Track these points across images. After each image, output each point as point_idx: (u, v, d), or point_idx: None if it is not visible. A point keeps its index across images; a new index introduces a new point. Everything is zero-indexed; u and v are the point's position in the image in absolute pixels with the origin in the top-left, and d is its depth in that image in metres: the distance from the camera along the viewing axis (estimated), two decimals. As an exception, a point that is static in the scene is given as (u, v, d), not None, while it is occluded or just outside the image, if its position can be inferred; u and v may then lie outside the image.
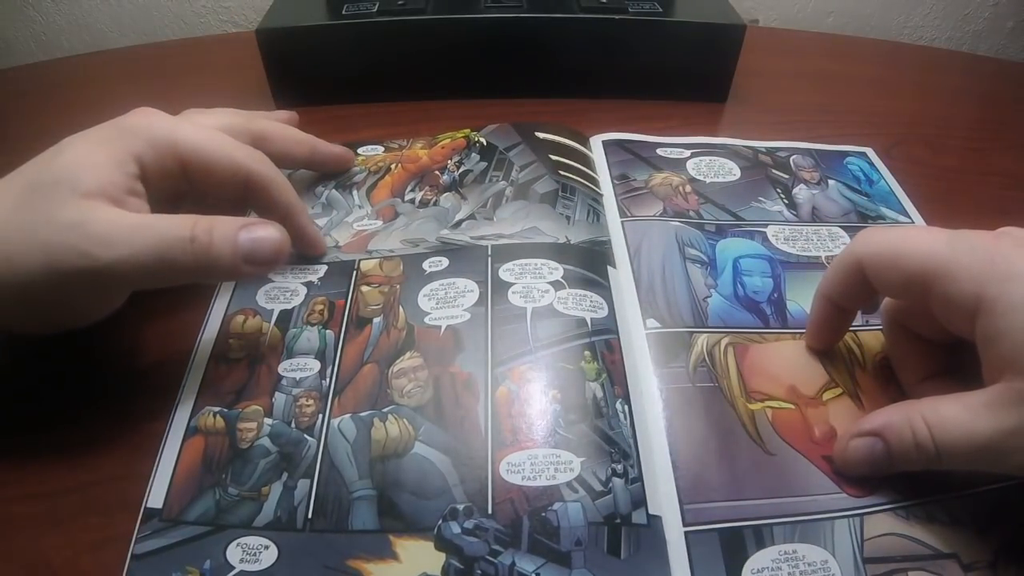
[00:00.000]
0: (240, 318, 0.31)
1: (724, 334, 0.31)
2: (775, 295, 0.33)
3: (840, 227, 0.37)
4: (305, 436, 0.27)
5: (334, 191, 0.39)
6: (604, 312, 0.31)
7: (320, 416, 0.27)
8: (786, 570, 0.23)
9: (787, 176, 0.41)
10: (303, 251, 0.34)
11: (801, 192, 0.40)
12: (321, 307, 0.32)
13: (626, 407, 0.27)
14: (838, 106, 0.50)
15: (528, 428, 0.26)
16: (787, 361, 0.30)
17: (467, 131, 0.42)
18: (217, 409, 0.28)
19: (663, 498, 0.25)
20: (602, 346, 0.29)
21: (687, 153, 0.42)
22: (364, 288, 0.32)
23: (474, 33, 0.47)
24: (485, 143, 0.41)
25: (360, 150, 0.42)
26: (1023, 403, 0.21)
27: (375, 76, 0.48)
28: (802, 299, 0.32)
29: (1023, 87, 0.55)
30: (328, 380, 0.29)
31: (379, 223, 0.36)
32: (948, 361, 0.27)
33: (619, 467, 0.25)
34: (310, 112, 0.42)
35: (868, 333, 0.31)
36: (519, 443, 0.26)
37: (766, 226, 0.37)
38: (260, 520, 0.24)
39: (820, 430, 0.27)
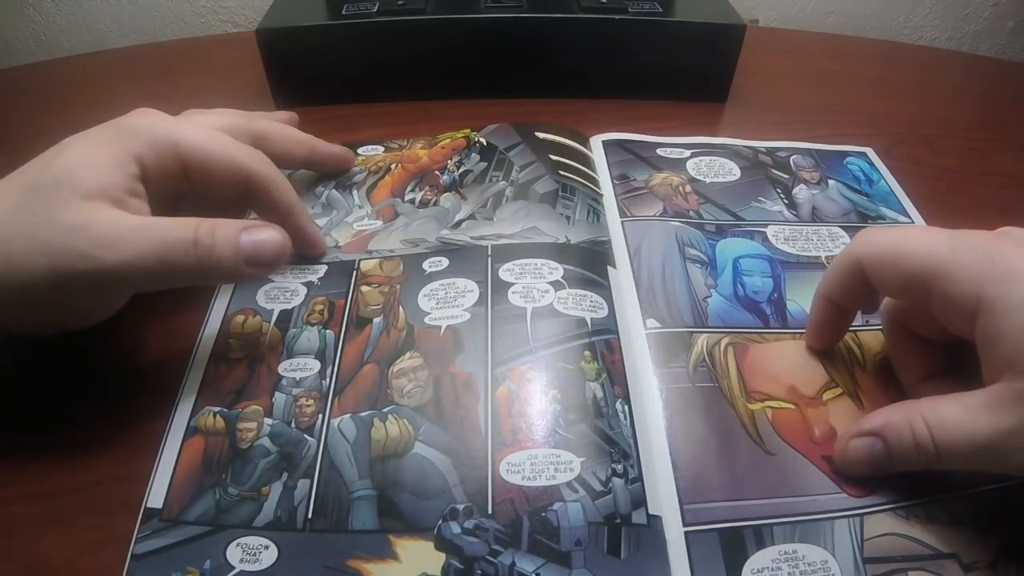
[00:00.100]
0: (240, 318, 0.31)
1: (724, 334, 0.31)
2: (775, 295, 0.33)
3: (840, 227, 0.37)
4: (305, 436, 0.27)
5: (334, 191, 0.39)
6: (604, 312, 0.31)
7: (320, 416, 0.27)
8: (786, 570, 0.23)
9: (787, 176, 0.41)
10: (303, 251, 0.34)
11: (801, 192, 0.40)
12: (321, 307, 0.32)
13: (626, 407, 0.27)
14: (838, 106, 0.50)
15: (528, 428, 0.26)
16: (787, 361, 0.30)
17: (467, 131, 0.42)
18: (217, 409, 0.28)
19: (663, 498, 0.25)
20: (602, 346, 0.29)
21: (687, 153, 0.42)
22: (364, 288, 0.32)
23: (474, 33, 0.47)
24: (485, 143, 0.41)
25: (360, 150, 0.42)
26: (1023, 403, 0.21)
27: (375, 76, 0.48)
28: (802, 299, 0.32)
29: (1023, 87, 0.55)
30: (328, 380, 0.29)
31: (379, 223, 0.36)
32: (948, 361, 0.27)
33: (619, 467, 0.25)
34: (310, 112, 0.42)
35: (868, 333, 0.31)
36: (519, 443, 0.26)
37: (766, 226, 0.37)
38: (260, 520, 0.24)
39: (820, 430, 0.27)
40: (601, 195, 0.38)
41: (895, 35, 0.72)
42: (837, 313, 0.29)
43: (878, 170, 0.42)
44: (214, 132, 0.29)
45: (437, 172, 0.40)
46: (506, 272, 0.32)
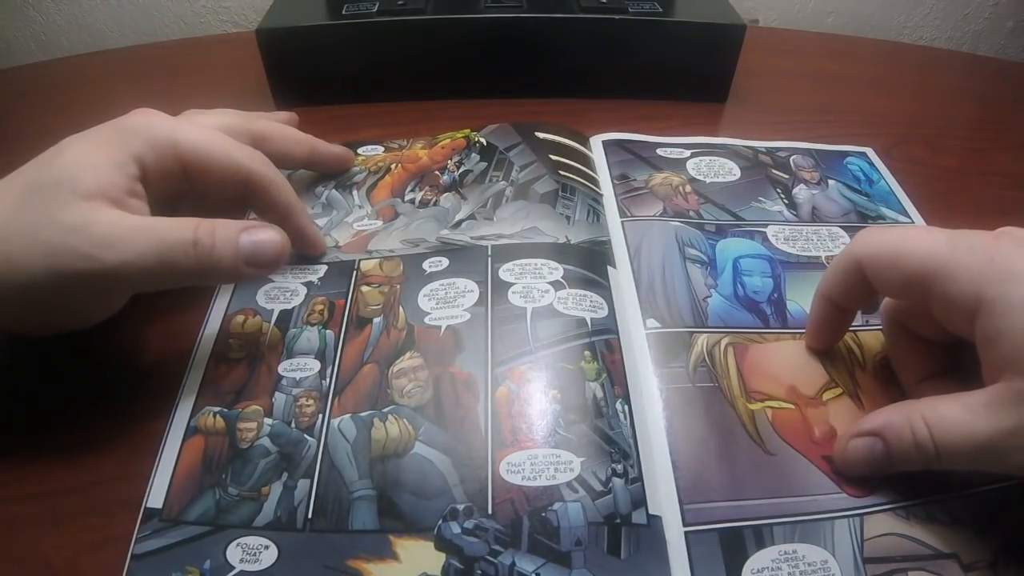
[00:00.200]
0: (240, 318, 0.31)
1: (724, 334, 0.31)
2: (775, 295, 0.33)
3: (840, 227, 0.37)
4: (305, 436, 0.27)
5: (334, 191, 0.39)
6: (604, 312, 0.31)
7: (320, 416, 0.27)
8: (786, 570, 0.23)
9: (787, 176, 0.41)
10: (303, 251, 0.34)
11: (801, 192, 0.40)
12: (321, 307, 0.32)
13: (626, 407, 0.27)
14: (838, 106, 0.50)
15: (528, 428, 0.26)
16: (787, 361, 0.30)
17: (467, 131, 0.42)
18: (217, 409, 0.28)
19: (663, 498, 0.25)
20: (602, 346, 0.29)
21: (687, 153, 0.42)
22: (364, 288, 0.32)
23: (474, 33, 0.47)
24: (485, 143, 0.41)
25: (360, 150, 0.42)
26: (1023, 403, 0.21)
27: (375, 76, 0.48)
28: (802, 299, 0.32)
29: (1023, 87, 0.55)
30: (328, 380, 0.29)
31: (379, 223, 0.36)
32: (948, 361, 0.27)
33: (619, 467, 0.25)
34: (310, 112, 0.42)
35: (868, 333, 0.31)
36: (519, 443, 0.26)
37: (766, 226, 0.37)
38: (260, 520, 0.24)
39: (820, 430, 0.27)
40: (601, 195, 0.38)
41: (895, 35, 0.72)
42: (837, 313, 0.29)
43: (878, 170, 0.42)
44: (214, 132, 0.29)
45: (437, 172, 0.40)
46: (506, 272, 0.32)
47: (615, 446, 0.26)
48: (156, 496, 0.25)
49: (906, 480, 0.24)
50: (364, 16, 0.46)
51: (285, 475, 0.25)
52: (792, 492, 0.25)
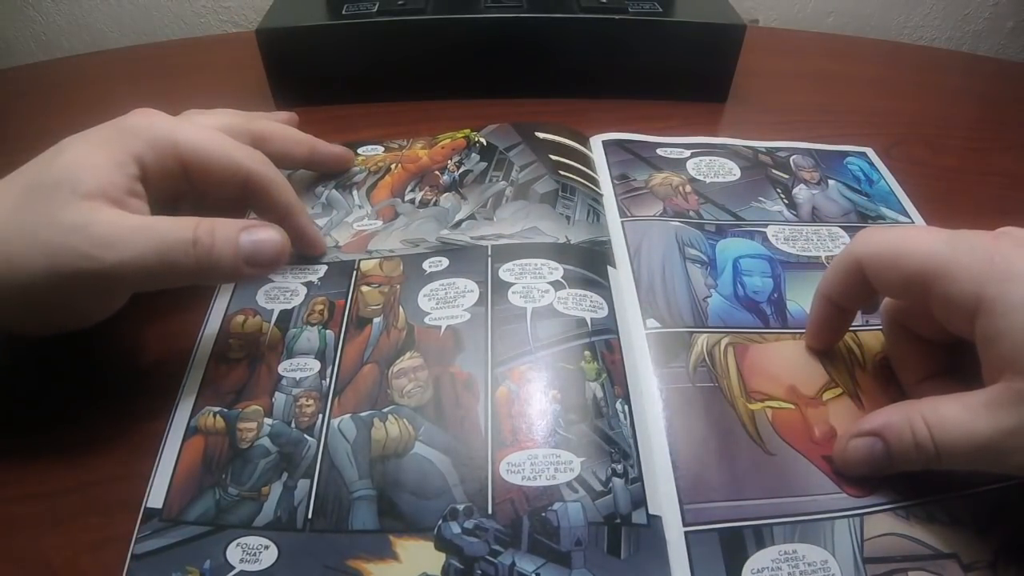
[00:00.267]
0: (240, 318, 0.31)
1: (724, 334, 0.31)
2: (775, 295, 0.33)
3: (840, 227, 0.37)
4: (305, 436, 0.27)
5: (334, 191, 0.39)
6: (604, 312, 0.31)
7: (320, 416, 0.27)
8: (786, 570, 0.23)
9: (787, 176, 0.41)
10: (303, 251, 0.34)
11: (801, 192, 0.40)
12: (321, 307, 0.32)
13: (626, 407, 0.27)
14: (838, 106, 0.50)
15: (528, 428, 0.26)
16: (787, 361, 0.30)
17: (467, 131, 0.42)
18: (217, 409, 0.28)
19: (663, 498, 0.25)
20: (602, 346, 0.29)
21: (687, 153, 0.42)
22: (364, 288, 0.32)
23: (474, 33, 0.47)
24: (485, 143, 0.41)
25: (360, 150, 0.42)
26: (1023, 403, 0.21)
27: (375, 76, 0.48)
28: (802, 299, 0.32)
29: (1023, 87, 0.55)
30: (328, 380, 0.29)
31: (379, 223, 0.36)
32: (948, 361, 0.27)
33: (619, 467, 0.25)
34: (310, 112, 0.42)
35: (868, 333, 0.31)
36: (519, 443, 0.26)
37: (766, 226, 0.37)
38: (260, 520, 0.24)
39: (820, 430, 0.27)
40: (601, 195, 0.38)
41: (895, 35, 0.72)
42: (837, 313, 0.29)
43: (878, 170, 0.42)
44: (214, 132, 0.29)
45: (437, 172, 0.40)
46: (506, 272, 0.32)
47: (615, 446, 0.26)
48: (156, 496, 0.25)
49: (906, 480, 0.24)
50: (364, 16, 0.46)
51: (285, 475, 0.25)
52: (792, 492, 0.25)
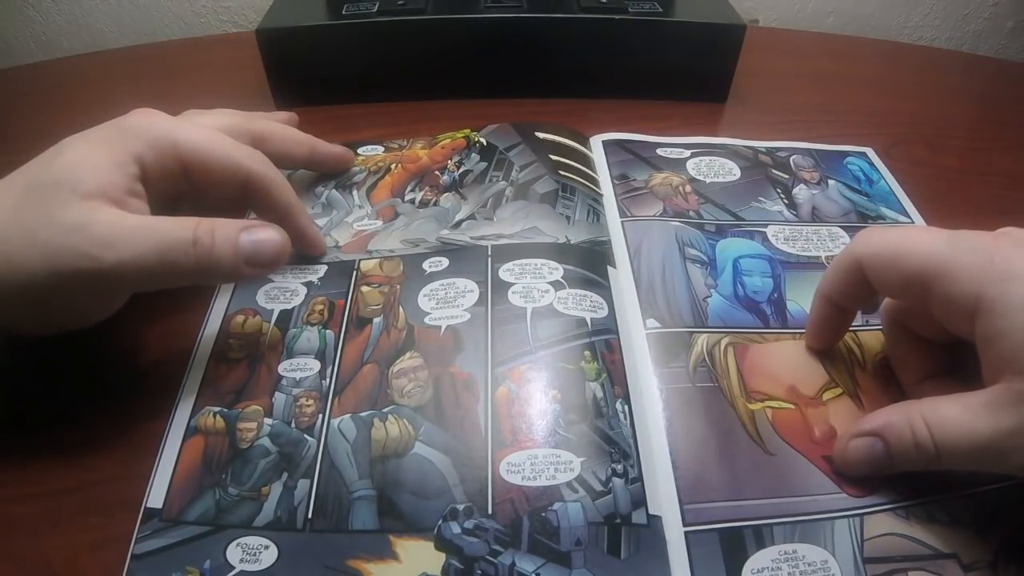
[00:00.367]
0: (240, 318, 0.31)
1: (724, 334, 0.31)
2: (775, 295, 0.33)
3: (840, 227, 0.37)
4: (305, 436, 0.27)
5: (334, 191, 0.39)
6: (604, 312, 0.31)
7: (320, 416, 0.27)
8: (786, 570, 0.23)
9: (787, 176, 0.41)
10: (303, 251, 0.34)
11: (801, 192, 0.40)
12: (321, 307, 0.32)
13: (626, 407, 0.27)
14: (838, 106, 0.50)
15: (528, 428, 0.26)
16: (787, 361, 0.30)
17: (467, 131, 0.42)
18: (217, 409, 0.28)
19: (663, 498, 0.25)
20: (602, 346, 0.29)
21: (687, 153, 0.42)
22: (364, 288, 0.32)
23: (474, 33, 0.47)
24: (485, 143, 0.41)
25: (360, 150, 0.42)
26: (1023, 403, 0.21)
27: (375, 76, 0.48)
28: (802, 299, 0.32)
29: (1023, 87, 0.55)
30: (328, 380, 0.29)
31: (379, 223, 0.36)
32: (948, 361, 0.27)
33: (619, 467, 0.25)
34: (310, 112, 0.42)
35: (868, 333, 0.31)
36: (519, 443, 0.26)
37: (766, 226, 0.37)
38: (260, 520, 0.24)
39: (820, 430, 0.27)
40: (601, 195, 0.38)
41: (895, 35, 0.72)
42: (837, 313, 0.29)
43: (878, 170, 0.42)
44: (214, 132, 0.29)
45: (437, 172, 0.40)
46: (506, 272, 0.32)
47: (615, 446, 0.26)
48: (156, 496, 0.25)
49: (906, 480, 0.24)
50: (364, 16, 0.46)
51: (285, 475, 0.25)
52: (792, 492, 0.25)
